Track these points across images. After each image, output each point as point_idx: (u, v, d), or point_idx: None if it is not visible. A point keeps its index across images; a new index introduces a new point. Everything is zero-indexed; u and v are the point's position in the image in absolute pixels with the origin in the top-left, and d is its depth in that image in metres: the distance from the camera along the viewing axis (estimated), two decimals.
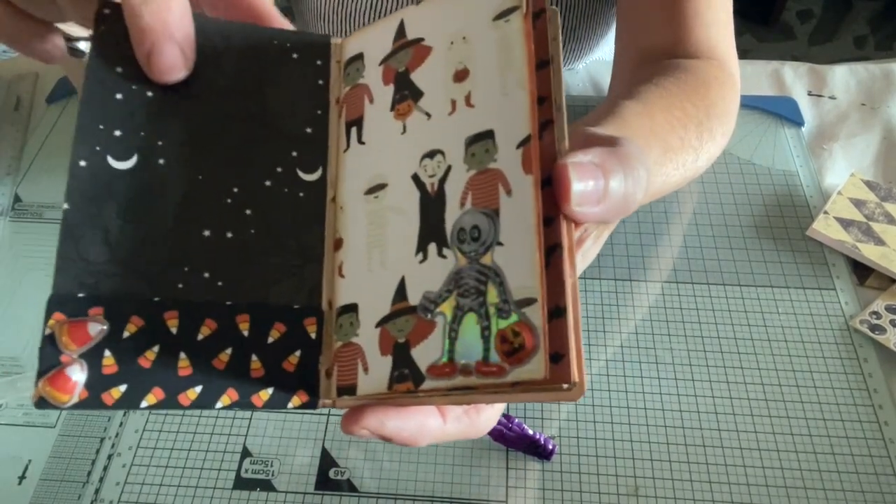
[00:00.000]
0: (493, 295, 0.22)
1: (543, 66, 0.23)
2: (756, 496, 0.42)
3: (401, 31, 0.28)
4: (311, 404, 0.25)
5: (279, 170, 0.28)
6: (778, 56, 1.79)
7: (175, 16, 0.24)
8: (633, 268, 0.53)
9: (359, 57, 0.29)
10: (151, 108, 0.26)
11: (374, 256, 0.26)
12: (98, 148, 0.24)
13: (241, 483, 0.43)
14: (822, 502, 0.41)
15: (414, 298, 0.24)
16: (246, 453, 0.44)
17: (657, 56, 0.51)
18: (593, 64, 0.70)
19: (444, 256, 0.24)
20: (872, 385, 0.46)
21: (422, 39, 0.27)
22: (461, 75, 0.25)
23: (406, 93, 0.27)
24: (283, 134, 0.28)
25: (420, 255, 0.24)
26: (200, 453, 0.44)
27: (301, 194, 0.28)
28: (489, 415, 0.28)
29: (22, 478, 0.43)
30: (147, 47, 0.24)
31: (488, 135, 0.24)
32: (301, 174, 0.28)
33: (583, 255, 0.29)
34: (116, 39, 0.25)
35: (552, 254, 0.21)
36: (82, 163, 0.24)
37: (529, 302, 0.21)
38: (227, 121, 0.27)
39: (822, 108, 0.65)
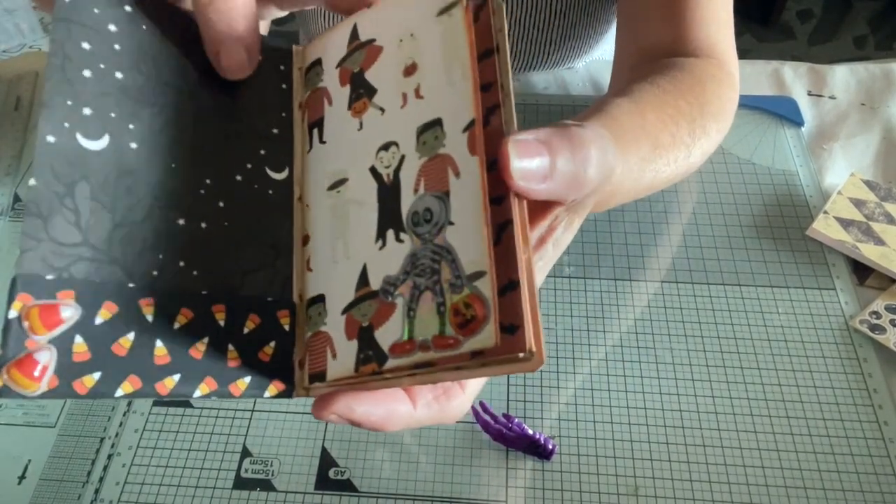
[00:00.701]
0: (446, 272, 0.23)
1: (488, 56, 0.25)
2: (756, 496, 0.42)
3: (354, 34, 0.29)
4: (286, 393, 0.26)
5: (249, 166, 0.28)
6: (778, 56, 1.79)
7: (241, 21, 0.27)
8: (632, 268, 0.53)
9: (318, 62, 0.31)
10: (122, 90, 0.25)
11: (338, 248, 0.27)
12: (67, 125, 0.24)
13: (241, 483, 0.43)
14: (821, 502, 0.41)
15: (375, 283, 0.25)
16: (246, 453, 0.44)
17: (657, 54, 0.51)
18: (593, 63, 0.70)
19: (401, 241, 0.25)
20: (872, 385, 0.46)
21: (374, 40, 0.28)
22: (410, 70, 0.27)
23: (361, 91, 0.28)
24: (252, 132, 0.29)
25: (380, 242, 0.25)
26: (200, 453, 0.44)
27: (270, 191, 0.28)
28: (461, 401, 0.28)
29: (22, 478, 0.43)
30: (216, 48, 0.27)
31: (437, 123, 0.25)
32: (270, 172, 0.29)
33: (555, 242, 0.30)
34: (82, 12, 0.25)
35: (503, 231, 0.22)
36: (50, 138, 0.23)
37: (479, 275, 0.22)
38: (199, 112, 0.27)
39: (822, 107, 0.65)
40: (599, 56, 0.73)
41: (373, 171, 0.27)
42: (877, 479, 0.42)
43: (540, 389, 0.46)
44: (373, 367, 0.24)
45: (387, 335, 0.24)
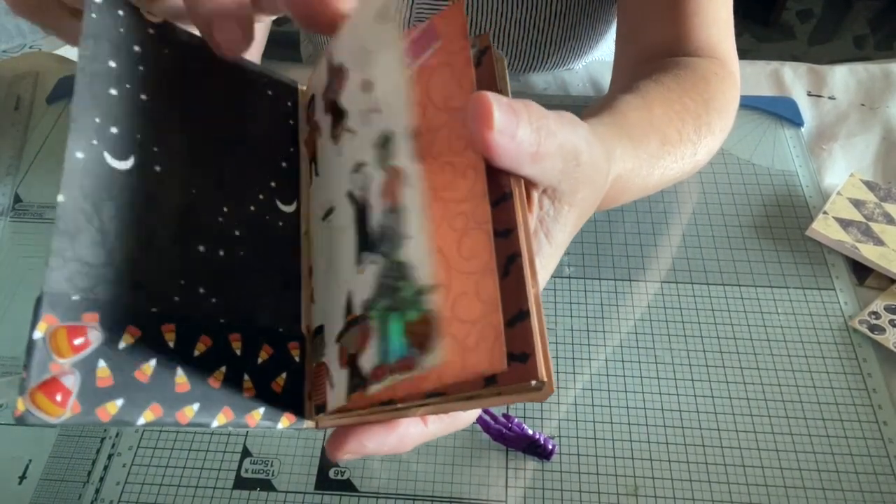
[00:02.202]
0: (405, 290, 0.22)
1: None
2: (756, 496, 0.42)
3: (329, 62, 0.30)
4: (297, 424, 0.26)
5: (261, 197, 0.28)
6: (778, 56, 1.79)
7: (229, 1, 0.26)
8: (633, 268, 0.53)
9: (312, 98, 0.31)
10: (145, 113, 0.25)
11: (330, 277, 0.27)
12: (95, 142, 0.23)
13: (241, 483, 0.43)
14: (821, 502, 0.41)
15: (357, 309, 0.25)
16: (246, 453, 0.44)
17: (658, 55, 0.51)
18: (593, 64, 0.70)
19: (374, 262, 0.24)
20: (871, 385, 0.46)
21: (342, 64, 0.29)
22: (367, 85, 0.27)
23: (337, 117, 0.28)
24: (264, 164, 0.29)
25: (359, 267, 0.25)
26: (200, 453, 0.44)
27: (280, 223, 0.29)
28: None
29: (22, 478, 0.43)
30: (208, 23, 0.27)
31: (389, 135, 0.25)
32: (280, 205, 0.29)
33: (546, 234, 0.29)
34: (110, 31, 0.25)
35: (512, 263, 0.22)
36: (79, 154, 0.23)
37: (431, 290, 0.21)
38: (216, 142, 0.28)
39: (822, 108, 0.65)
40: (599, 57, 0.73)
41: (349, 195, 0.27)
42: (876, 479, 0.42)
43: None
44: (360, 394, 0.23)
45: (368, 360, 0.23)
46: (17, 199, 0.58)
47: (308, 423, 0.26)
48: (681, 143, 0.43)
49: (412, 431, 0.26)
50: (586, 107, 0.50)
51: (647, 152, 0.40)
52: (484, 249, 0.22)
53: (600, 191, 0.32)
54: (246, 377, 0.25)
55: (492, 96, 0.23)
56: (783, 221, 0.56)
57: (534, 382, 0.21)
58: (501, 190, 0.24)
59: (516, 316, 0.22)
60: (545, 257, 0.29)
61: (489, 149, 0.23)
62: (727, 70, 0.51)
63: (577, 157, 0.27)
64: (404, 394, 0.23)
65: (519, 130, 0.24)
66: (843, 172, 0.59)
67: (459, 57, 0.25)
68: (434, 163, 0.24)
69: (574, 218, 0.30)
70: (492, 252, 0.22)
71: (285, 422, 0.25)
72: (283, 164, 0.30)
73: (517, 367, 0.21)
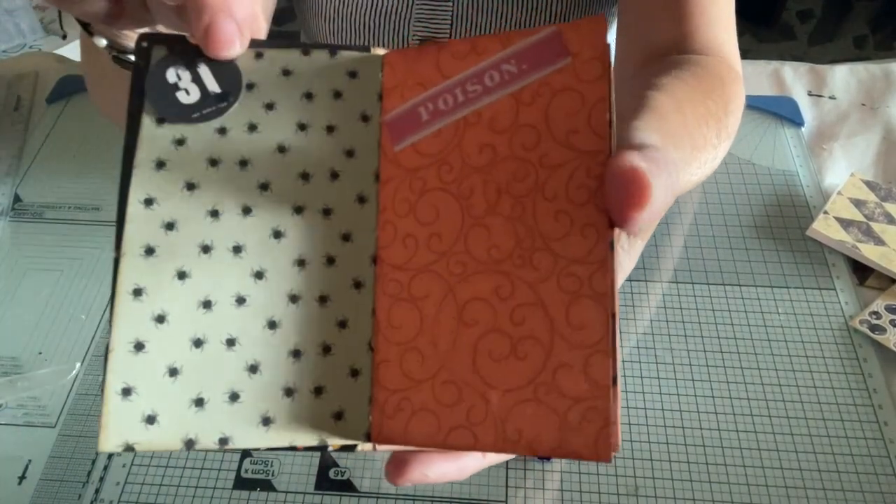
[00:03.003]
0: None
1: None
2: (756, 496, 0.42)
3: None
4: (350, 447, 0.25)
5: None
6: (778, 56, 1.79)
7: None
8: (633, 268, 0.53)
9: None
10: None
11: None
12: None
13: (241, 483, 0.43)
14: (821, 502, 0.41)
15: None
16: (246, 453, 0.44)
17: (661, 54, 0.51)
18: None
19: None
20: (872, 385, 0.46)
21: None
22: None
23: None
24: None
25: None
26: (201, 453, 0.44)
27: None
28: None
29: (22, 478, 0.43)
30: (205, 22, 0.25)
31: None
32: None
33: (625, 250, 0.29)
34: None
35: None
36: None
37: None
38: None
39: (822, 108, 0.64)
40: None
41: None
42: (877, 479, 0.42)
43: None
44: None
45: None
46: (17, 199, 0.58)
47: (364, 445, 0.25)
48: (705, 148, 0.41)
49: (472, 464, 0.26)
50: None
51: (684, 160, 0.38)
52: (600, 324, 0.21)
53: None
54: None
55: (646, 168, 0.20)
56: (783, 221, 0.56)
57: (601, 457, 0.21)
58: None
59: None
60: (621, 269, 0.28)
61: (631, 226, 0.21)
62: (734, 70, 0.50)
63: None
64: (485, 446, 0.23)
65: (656, 194, 0.21)
66: (844, 172, 0.59)
67: (594, 88, 0.23)
68: (547, 205, 0.23)
69: (640, 245, 0.29)
70: (608, 331, 0.21)
71: (336, 444, 0.25)
72: None
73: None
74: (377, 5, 0.62)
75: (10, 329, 0.50)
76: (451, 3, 0.61)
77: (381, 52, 0.28)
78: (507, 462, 0.43)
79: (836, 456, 0.43)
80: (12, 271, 0.53)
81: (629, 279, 0.52)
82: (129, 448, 0.22)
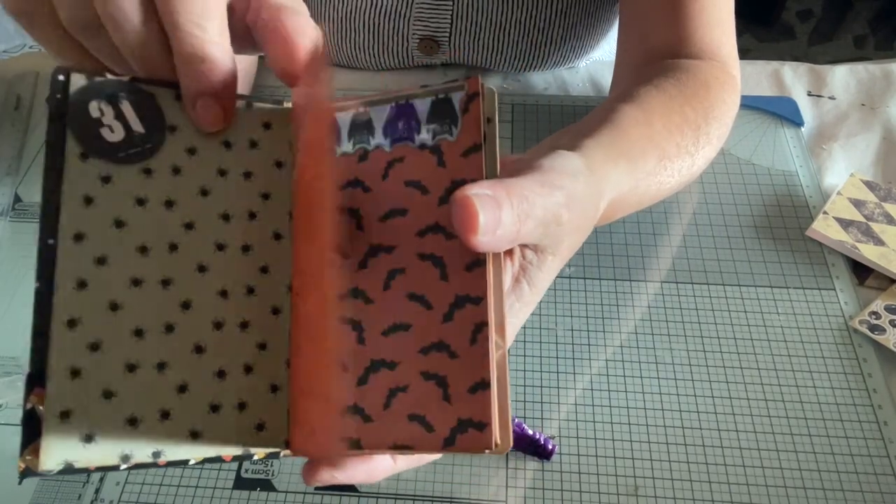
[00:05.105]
0: None
1: (475, 150, 0.27)
2: (756, 496, 0.42)
3: None
4: (273, 455, 0.28)
5: None
6: (778, 56, 1.79)
7: (222, 77, 0.26)
8: (633, 268, 0.53)
9: None
10: None
11: None
12: None
13: (241, 483, 0.43)
14: (821, 502, 0.41)
15: None
16: None
17: (660, 56, 0.51)
18: (593, 64, 0.70)
19: None
20: (872, 385, 0.46)
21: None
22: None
23: None
24: None
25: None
26: None
27: None
28: None
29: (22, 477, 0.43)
30: (195, 101, 0.26)
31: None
32: None
33: (529, 281, 0.31)
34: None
35: (479, 332, 0.25)
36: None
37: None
38: None
39: (822, 108, 0.65)
40: (600, 57, 0.73)
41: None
42: (876, 479, 0.42)
43: (540, 389, 0.46)
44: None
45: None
46: (17, 199, 0.58)
47: (285, 452, 0.27)
48: (678, 156, 0.44)
49: (381, 465, 0.29)
50: (587, 112, 0.50)
51: (645, 171, 0.40)
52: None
53: (588, 228, 0.33)
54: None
55: (474, 197, 0.24)
56: (783, 221, 0.56)
57: (487, 451, 0.24)
58: (475, 255, 0.25)
59: (478, 384, 0.24)
60: (525, 303, 0.31)
61: (476, 248, 0.24)
62: (728, 73, 0.50)
63: (559, 219, 0.29)
64: (373, 444, 0.26)
65: (502, 219, 0.25)
66: (844, 172, 0.59)
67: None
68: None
69: (558, 262, 0.32)
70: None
71: (261, 453, 0.27)
72: None
73: (474, 435, 0.24)
74: (377, 5, 0.62)
75: (10, 329, 0.50)
76: (451, 2, 0.61)
77: (289, 105, 0.29)
78: (507, 462, 0.43)
79: (835, 456, 0.43)
80: (12, 271, 0.53)
81: (629, 279, 0.52)
82: (68, 465, 0.24)
